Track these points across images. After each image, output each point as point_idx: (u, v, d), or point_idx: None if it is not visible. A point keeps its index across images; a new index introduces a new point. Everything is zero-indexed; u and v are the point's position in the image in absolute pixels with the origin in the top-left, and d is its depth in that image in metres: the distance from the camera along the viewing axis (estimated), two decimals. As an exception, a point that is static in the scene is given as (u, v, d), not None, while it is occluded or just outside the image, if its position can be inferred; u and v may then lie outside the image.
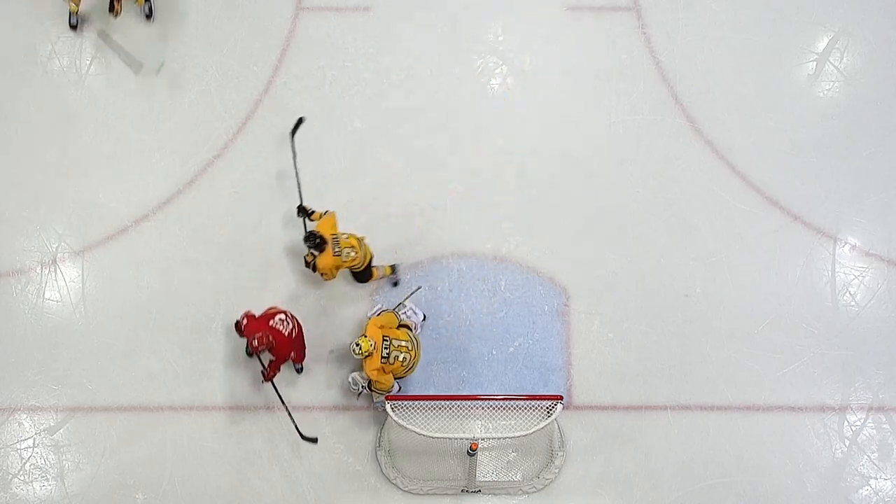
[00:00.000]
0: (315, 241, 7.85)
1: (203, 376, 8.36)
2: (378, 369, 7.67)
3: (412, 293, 8.41)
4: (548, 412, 7.59)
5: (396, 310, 8.25)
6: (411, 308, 8.39)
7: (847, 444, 8.22)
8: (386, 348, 7.66)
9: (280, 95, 9.29)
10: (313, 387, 8.32)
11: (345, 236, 8.04)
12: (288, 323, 7.78)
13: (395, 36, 9.57)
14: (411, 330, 8.10)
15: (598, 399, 8.34)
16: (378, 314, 8.15)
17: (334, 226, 8.12)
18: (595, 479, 8.11)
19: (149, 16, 9.38)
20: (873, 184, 9.02)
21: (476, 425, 7.86)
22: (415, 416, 7.53)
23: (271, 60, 9.40)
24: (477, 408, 8.00)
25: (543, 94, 9.38)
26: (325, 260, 7.92)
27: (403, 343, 7.76)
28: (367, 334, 7.68)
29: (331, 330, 8.44)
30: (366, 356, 7.63)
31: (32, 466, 8.15)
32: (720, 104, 9.30)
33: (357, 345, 7.56)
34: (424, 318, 8.43)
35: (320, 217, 8.17)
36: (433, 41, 9.57)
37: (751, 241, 8.81)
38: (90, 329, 8.48)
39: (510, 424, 7.74)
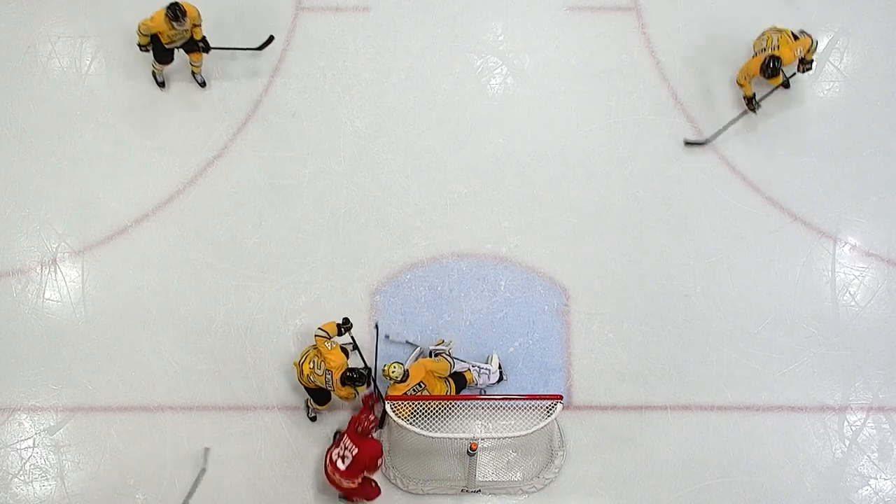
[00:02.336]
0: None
1: (203, 376, 8.36)
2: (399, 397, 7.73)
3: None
4: (548, 412, 7.59)
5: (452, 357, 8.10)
6: (486, 368, 8.19)
7: (847, 444, 8.22)
8: (414, 390, 7.72)
9: (280, 95, 9.29)
10: (313, 387, 8.32)
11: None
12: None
13: (395, 36, 9.57)
14: (465, 386, 8.00)
15: (598, 399, 8.34)
16: (438, 358, 7.99)
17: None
18: (595, 479, 8.11)
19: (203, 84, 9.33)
20: (873, 184, 9.02)
21: (476, 425, 7.85)
22: (415, 415, 7.54)
23: (271, 60, 9.40)
24: (477, 408, 7.99)
25: (543, 93, 9.38)
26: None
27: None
28: (410, 370, 7.73)
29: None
30: (393, 381, 7.69)
31: (32, 466, 8.15)
32: (720, 104, 9.30)
33: (386, 367, 7.65)
34: (500, 380, 8.22)
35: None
36: (433, 41, 9.58)
37: (751, 241, 8.81)
38: (90, 329, 8.48)
39: (510, 424, 7.74)
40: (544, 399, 7.70)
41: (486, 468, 8.04)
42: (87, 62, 9.44)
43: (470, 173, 9.05)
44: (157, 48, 8.82)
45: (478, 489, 8.00)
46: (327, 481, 7.60)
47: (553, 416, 7.54)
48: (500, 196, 8.96)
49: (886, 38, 9.59)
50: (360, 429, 7.33)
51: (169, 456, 8.14)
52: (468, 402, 7.92)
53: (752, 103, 9.01)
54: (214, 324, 8.49)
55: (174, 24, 8.50)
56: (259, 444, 8.17)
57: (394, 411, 7.50)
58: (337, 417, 8.22)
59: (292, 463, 8.12)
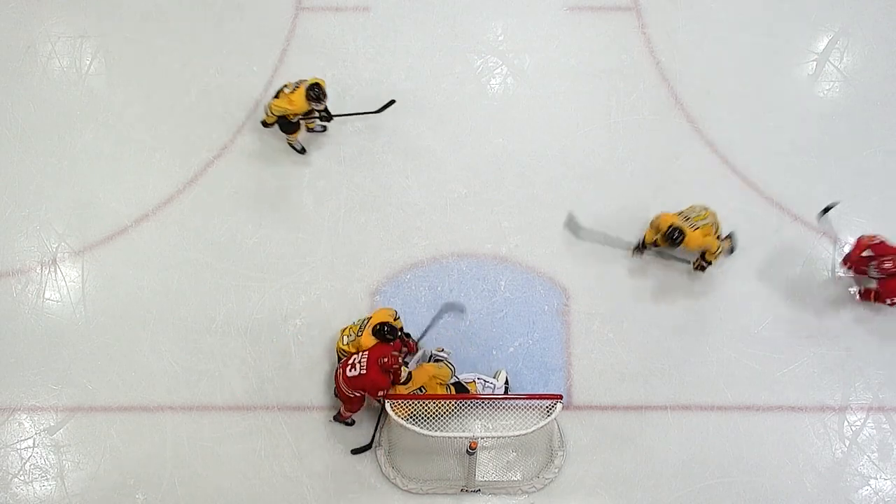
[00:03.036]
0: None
1: (203, 376, 8.36)
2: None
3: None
4: (548, 412, 7.59)
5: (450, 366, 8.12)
6: (492, 383, 8.15)
7: (847, 444, 8.21)
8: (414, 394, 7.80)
9: (280, 95, 9.29)
10: (313, 387, 8.31)
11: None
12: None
13: (395, 36, 9.59)
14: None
15: (598, 399, 8.33)
16: (440, 364, 8.02)
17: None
18: (595, 479, 8.10)
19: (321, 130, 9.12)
20: (873, 184, 9.02)
21: (476, 425, 7.85)
22: (415, 415, 7.54)
23: (271, 60, 9.41)
24: (477, 407, 7.98)
25: (543, 94, 9.39)
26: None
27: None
28: (413, 373, 7.76)
29: (331, 329, 8.43)
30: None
31: (32, 466, 8.15)
32: (720, 104, 9.31)
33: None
34: (506, 390, 8.21)
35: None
36: (433, 41, 9.59)
37: (751, 241, 8.80)
38: (90, 329, 8.48)
39: (510, 424, 7.74)
40: (544, 399, 7.69)
41: (486, 468, 8.04)
42: (87, 62, 9.45)
43: (470, 173, 9.05)
44: (282, 122, 8.61)
45: (477, 489, 8.00)
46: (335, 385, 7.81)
47: (553, 416, 7.54)
48: (500, 196, 8.96)
49: (886, 38, 9.60)
50: (383, 360, 7.43)
51: (169, 456, 8.14)
52: (468, 402, 7.91)
53: (641, 248, 8.58)
54: (214, 324, 8.49)
55: (314, 104, 8.41)
56: (259, 444, 8.17)
57: (394, 410, 7.50)
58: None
59: (292, 463, 8.11)
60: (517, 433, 7.53)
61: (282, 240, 8.79)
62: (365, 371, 7.49)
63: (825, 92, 9.44)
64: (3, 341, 8.44)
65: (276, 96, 8.56)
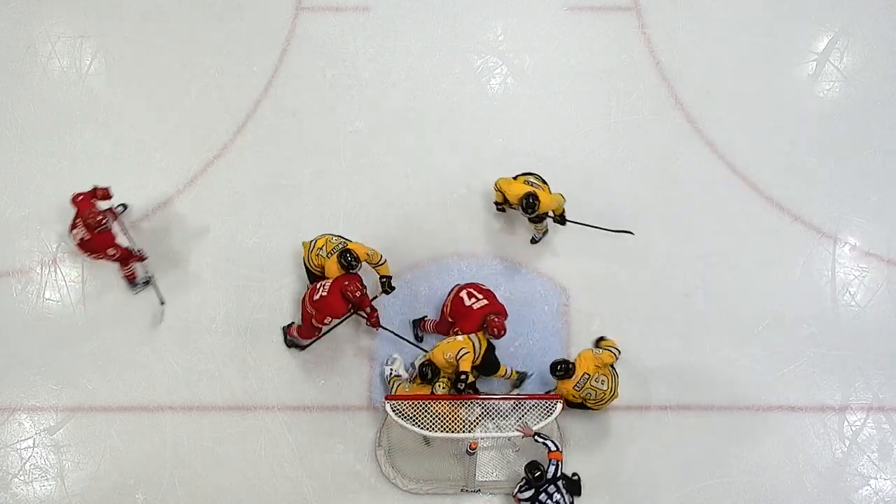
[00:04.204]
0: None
1: (203, 376, 8.36)
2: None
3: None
4: (548, 412, 7.59)
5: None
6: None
7: (847, 444, 8.22)
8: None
9: (280, 95, 9.30)
10: (313, 387, 8.32)
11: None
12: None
13: (395, 36, 9.58)
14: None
15: (598, 399, 8.33)
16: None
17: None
18: (595, 479, 8.10)
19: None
20: (873, 184, 9.03)
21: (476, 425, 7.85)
22: (415, 415, 7.54)
23: (271, 60, 9.41)
24: (477, 408, 7.98)
25: (543, 94, 9.38)
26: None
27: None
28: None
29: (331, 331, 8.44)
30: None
31: (32, 466, 8.15)
32: (720, 104, 9.31)
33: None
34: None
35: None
36: (433, 41, 9.59)
37: (751, 241, 8.81)
38: (90, 329, 8.48)
39: (510, 424, 7.74)
40: (544, 399, 7.69)
41: (486, 468, 8.04)
42: (87, 62, 9.45)
43: (470, 173, 9.04)
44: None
45: (477, 489, 8.00)
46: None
47: (553, 416, 7.54)
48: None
49: (886, 38, 9.60)
50: (345, 284, 7.75)
51: (169, 456, 8.14)
52: (468, 403, 7.91)
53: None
54: (214, 324, 8.49)
55: (532, 217, 8.31)
56: (259, 444, 8.17)
57: (394, 411, 7.50)
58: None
59: (292, 463, 8.12)
60: (517, 433, 7.52)
61: (282, 240, 8.79)
62: (326, 294, 7.76)
63: (825, 92, 9.44)
64: (3, 341, 8.44)
65: (516, 177, 8.40)
